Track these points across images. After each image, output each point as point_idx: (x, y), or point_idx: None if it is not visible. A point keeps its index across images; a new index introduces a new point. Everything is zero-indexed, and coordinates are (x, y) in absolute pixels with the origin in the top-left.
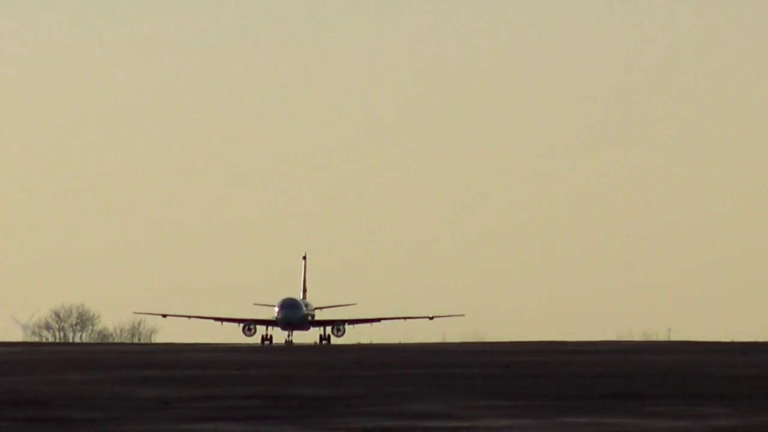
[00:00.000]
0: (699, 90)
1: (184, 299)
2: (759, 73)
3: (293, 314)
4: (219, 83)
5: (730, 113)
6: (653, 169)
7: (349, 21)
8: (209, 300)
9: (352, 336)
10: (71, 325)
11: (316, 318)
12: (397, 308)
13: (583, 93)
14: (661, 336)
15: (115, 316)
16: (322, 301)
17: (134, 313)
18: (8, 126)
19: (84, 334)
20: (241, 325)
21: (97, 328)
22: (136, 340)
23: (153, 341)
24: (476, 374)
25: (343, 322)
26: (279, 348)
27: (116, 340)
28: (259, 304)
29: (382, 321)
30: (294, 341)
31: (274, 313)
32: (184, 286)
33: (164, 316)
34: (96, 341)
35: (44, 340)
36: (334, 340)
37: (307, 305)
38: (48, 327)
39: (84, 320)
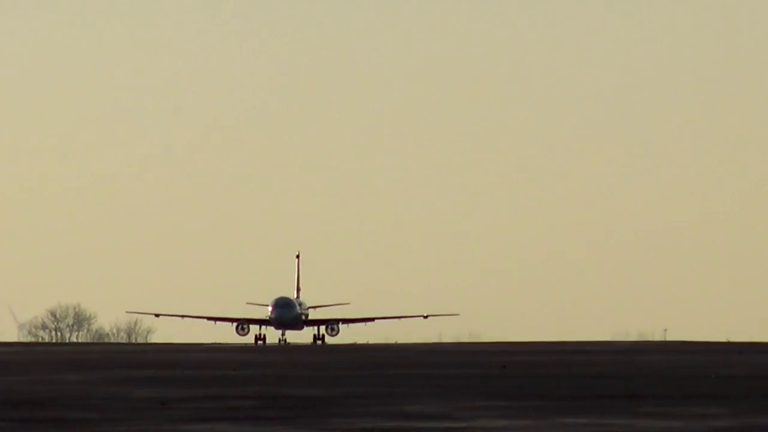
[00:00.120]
0: (696, 90)
1: (180, 299)
2: (758, 73)
3: (287, 313)
4: (212, 84)
5: (724, 115)
6: (649, 170)
7: (341, 19)
8: (204, 299)
9: (347, 335)
10: (67, 325)
11: (310, 317)
12: (391, 307)
13: (579, 93)
14: (656, 336)
15: (111, 316)
16: (316, 300)
17: (127, 312)
18: (4, 127)
19: (80, 334)
20: (235, 324)
21: (93, 328)
22: (132, 340)
23: (149, 341)
24: (472, 374)
25: (338, 321)
26: (275, 348)
27: (112, 340)
28: (252, 304)
29: (376, 320)
30: (288, 341)
31: (267, 312)
32: (178, 286)
33: (157, 315)
34: (92, 341)
35: (40, 340)
36: (328, 340)
37: (300, 304)
38: (44, 327)
39: (80, 320)
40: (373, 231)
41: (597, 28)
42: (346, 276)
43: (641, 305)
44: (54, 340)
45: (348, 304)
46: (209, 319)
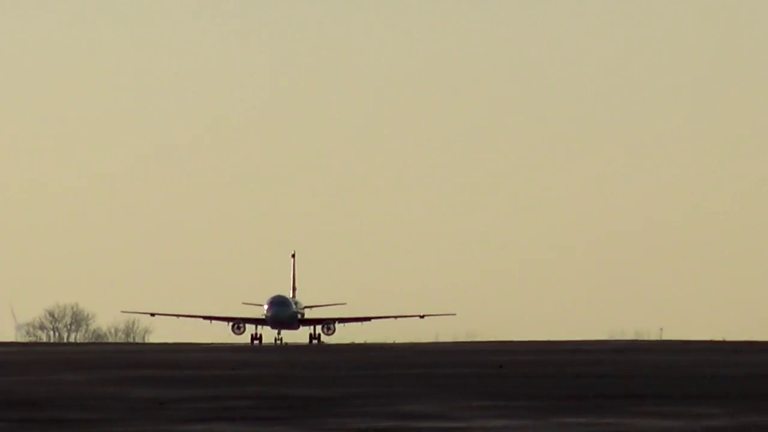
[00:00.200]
0: (693, 90)
1: (177, 298)
2: (758, 73)
3: (282, 312)
4: (207, 84)
5: (720, 115)
6: (645, 170)
7: (334, 16)
8: (199, 299)
9: (343, 335)
10: (65, 325)
11: (306, 317)
12: (387, 307)
13: (573, 92)
14: (653, 335)
15: (109, 316)
16: (312, 299)
17: (122, 312)
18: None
19: (78, 334)
20: (231, 323)
21: (92, 328)
22: (130, 340)
23: (147, 341)
24: (469, 374)
25: (334, 320)
26: (273, 348)
27: (110, 340)
28: (248, 303)
29: (372, 320)
30: (284, 340)
31: (263, 311)
32: (176, 285)
33: (152, 315)
34: (90, 341)
35: (38, 340)
36: (325, 340)
37: (296, 304)
38: (42, 327)
39: (78, 320)
40: (369, 230)
41: (597, 28)
42: (342, 275)
43: (637, 304)
44: (52, 340)
45: (344, 304)
46: (205, 318)
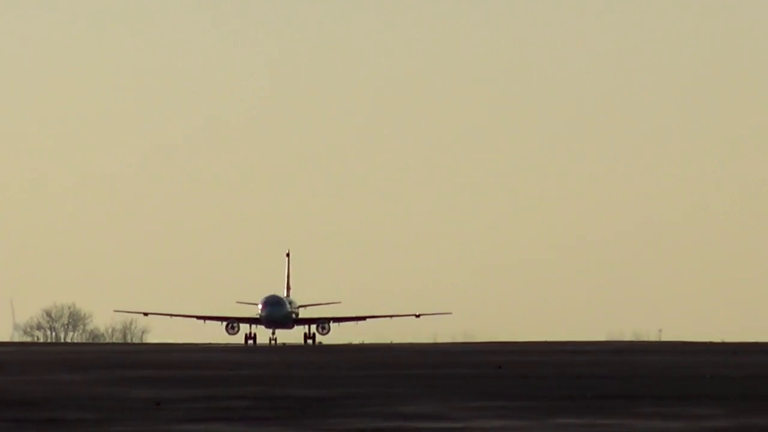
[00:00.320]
0: (692, 91)
1: (176, 298)
2: (758, 73)
3: (277, 311)
4: (201, 83)
5: (719, 116)
6: (644, 170)
7: (329, 16)
8: (196, 298)
9: (338, 334)
10: (62, 325)
11: (301, 316)
12: (382, 306)
13: (571, 92)
14: (651, 336)
15: (106, 316)
16: (307, 299)
17: (115, 311)
18: None
19: (75, 334)
20: (225, 323)
21: (89, 327)
22: (127, 340)
23: (144, 341)
24: (467, 375)
25: (328, 320)
26: (269, 348)
27: (107, 340)
28: (241, 302)
29: (367, 319)
30: (278, 340)
31: (257, 311)
32: (173, 285)
33: (146, 314)
34: (87, 341)
35: (35, 339)
36: (322, 340)
37: (291, 303)
38: (39, 327)
39: (75, 320)
40: (364, 229)
41: (597, 28)
42: (336, 274)
43: (636, 305)
44: (49, 340)
45: (339, 302)
46: (198, 318)
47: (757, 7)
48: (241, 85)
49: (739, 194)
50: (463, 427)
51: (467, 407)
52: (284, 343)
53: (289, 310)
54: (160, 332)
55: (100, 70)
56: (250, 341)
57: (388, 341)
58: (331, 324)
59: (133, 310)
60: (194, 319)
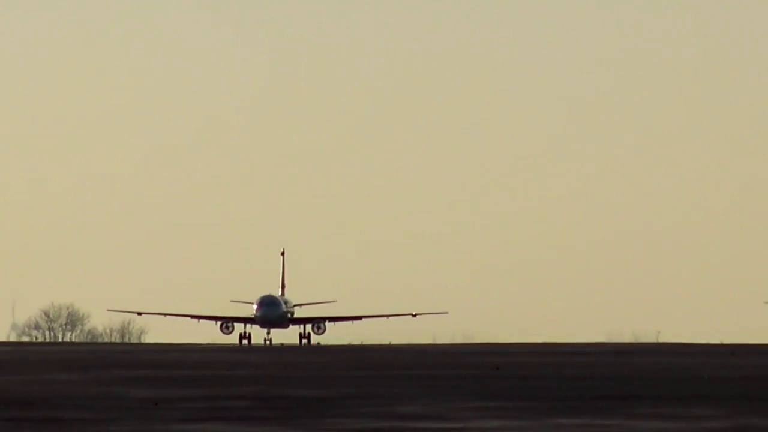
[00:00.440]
0: (692, 91)
1: (175, 297)
2: (758, 73)
3: (272, 312)
4: (195, 83)
5: (718, 117)
6: (643, 170)
7: (325, 16)
8: (191, 297)
9: (334, 334)
10: (61, 325)
11: (296, 316)
12: (378, 305)
13: (570, 93)
14: (650, 338)
15: (104, 316)
16: (301, 298)
17: (108, 310)
18: None
19: (73, 334)
20: (219, 323)
21: (87, 327)
22: (125, 340)
23: (143, 341)
24: (466, 375)
25: (324, 319)
26: (265, 348)
27: (106, 340)
28: (236, 301)
29: (363, 319)
30: (273, 340)
31: (251, 310)
32: (168, 284)
33: (139, 313)
34: (86, 341)
35: (33, 339)
36: (320, 340)
37: (286, 302)
38: (37, 327)
39: (73, 320)
40: (360, 227)
41: (597, 28)
42: (332, 273)
43: (635, 307)
44: (47, 340)
45: (334, 301)
46: (193, 317)
47: (757, 7)
48: (234, 85)
49: (739, 195)
50: (462, 427)
51: (466, 408)
52: (282, 344)
53: (285, 310)
54: (159, 332)
55: (96, 70)
56: (245, 341)
57: (386, 342)
58: (327, 324)
59: (128, 310)
60: (188, 318)
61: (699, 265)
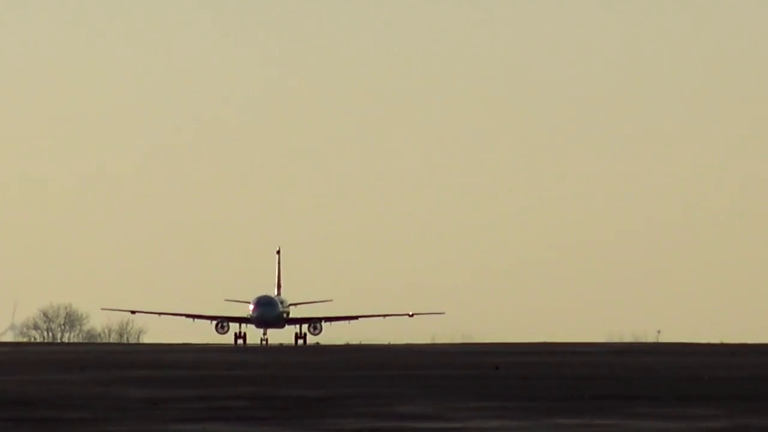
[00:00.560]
0: (692, 91)
1: (174, 297)
2: (758, 73)
3: (269, 312)
4: (191, 82)
5: (718, 116)
6: (642, 170)
7: (325, 19)
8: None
9: (330, 334)
10: (59, 325)
11: (291, 315)
12: (374, 305)
13: (569, 92)
14: (650, 338)
15: (102, 316)
16: (297, 297)
17: (102, 309)
18: None
19: (72, 334)
20: (214, 322)
21: (86, 328)
22: (124, 341)
23: (141, 341)
24: (465, 375)
25: (320, 319)
26: (262, 349)
27: (104, 340)
28: (230, 300)
29: (360, 319)
30: (269, 340)
31: (246, 309)
32: (168, 284)
33: (133, 312)
34: (84, 341)
35: (32, 340)
36: (319, 340)
37: (282, 302)
38: (36, 327)
39: (72, 320)
40: (357, 226)
41: (597, 28)
42: (328, 272)
43: (635, 306)
44: (45, 340)
45: (330, 301)
46: (187, 316)
47: (757, 7)
48: (230, 85)
49: (739, 194)
50: (461, 427)
51: (465, 407)
52: (281, 344)
53: (281, 310)
54: (158, 333)
55: (93, 70)
56: (240, 341)
57: (384, 342)
58: (323, 324)
59: (121, 309)
60: (183, 317)
61: (699, 265)
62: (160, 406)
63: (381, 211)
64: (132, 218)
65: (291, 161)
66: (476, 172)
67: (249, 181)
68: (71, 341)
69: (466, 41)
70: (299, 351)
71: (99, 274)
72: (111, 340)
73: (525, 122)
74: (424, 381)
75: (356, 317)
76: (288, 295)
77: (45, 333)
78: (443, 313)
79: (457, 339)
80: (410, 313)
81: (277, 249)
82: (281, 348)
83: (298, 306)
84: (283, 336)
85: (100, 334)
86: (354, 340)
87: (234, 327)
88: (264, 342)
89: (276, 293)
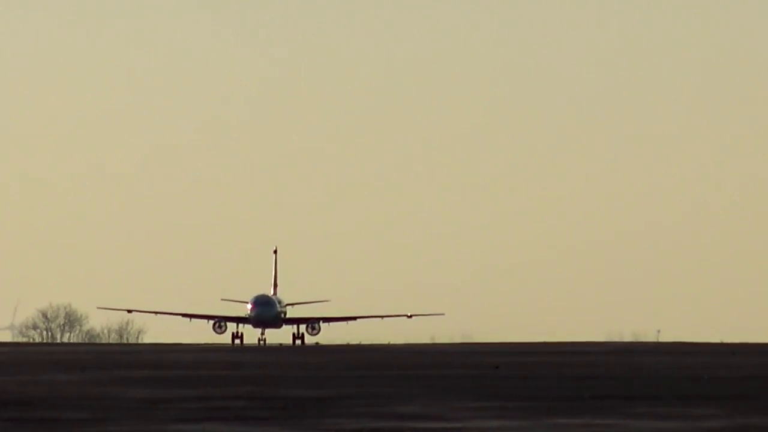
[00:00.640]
0: (691, 91)
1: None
2: (758, 73)
3: (267, 312)
4: (189, 82)
5: (717, 116)
6: (642, 170)
7: (324, 19)
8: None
9: (327, 334)
10: (59, 326)
11: (289, 315)
12: (372, 305)
13: (569, 92)
14: (650, 337)
15: (102, 316)
16: (294, 297)
17: (98, 308)
18: None
19: (71, 335)
20: (211, 322)
21: (85, 328)
22: (123, 341)
23: (141, 341)
24: (465, 375)
25: (318, 320)
26: (260, 349)
27: (104, 341)
28: (227, 300)
29: (358, 319)
30: (267, 340)
31: (243, 309)
32: (167, 283)
33: (129, 311)
34: (84, 341)
35: (31, 340)
36: (319, 340)
37: (279, 302)
38: (35, 327)
39: (71, 320)
40: (355, 226)
41: (597, 28)
42: (325, 272)
43: (635, 306)
44: (45, 341)
45: (328, 301)
46: (184, 316)
47: (757, 7)
48: (228, 85)
49: (739, 194)
50: (461, 427)
51: (465, 407)
52: (281, 344)
53: (279, 310)
54: (157, 333)
55: (90, 70)
56: (237, 341)
57: (383, 342)
58: (321, 324)
59: (118, 308)
60: (180, 317)
61: (699, 264)
62: (159, 406)
63: (379, 211)
64: (131, 218)
65: (288, 161)
66: (476, 172)
67: (246, 181)
68: (71, 341)
69: (466, 41)
70: (298, 351)
71: (99, 274)
72: (110, 341)
73: (525, 122)
74: (424, 381)
75: (354, 318)
76: (285, 296)
77: (44, 333)
78: (443, 314)
79: (457, 339)
80: (409, 315)
81: (275, 248)
82: (280, 348)
83: (295, 306)
84: (280, 336)
85: (99, 335)
86: (353, 341)
87: (231, 327)
88: (262, 342)
89: (273, 293)
